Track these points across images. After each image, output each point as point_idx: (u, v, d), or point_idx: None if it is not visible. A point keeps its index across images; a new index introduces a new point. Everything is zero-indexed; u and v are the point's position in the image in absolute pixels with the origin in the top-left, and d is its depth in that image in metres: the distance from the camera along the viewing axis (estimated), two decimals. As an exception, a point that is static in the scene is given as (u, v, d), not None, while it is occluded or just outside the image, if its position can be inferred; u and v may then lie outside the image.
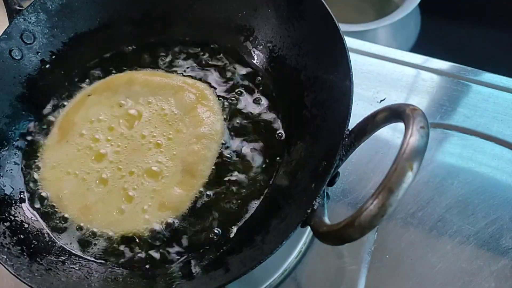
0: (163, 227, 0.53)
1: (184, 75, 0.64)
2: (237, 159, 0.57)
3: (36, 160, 0.59)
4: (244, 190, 0.55)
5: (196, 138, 0.58)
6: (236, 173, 0.56)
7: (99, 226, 0.54)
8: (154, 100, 0.61)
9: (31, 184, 0.57)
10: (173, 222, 0.53)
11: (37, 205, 0.56)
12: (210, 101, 0.61)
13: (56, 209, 0.55)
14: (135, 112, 0.61)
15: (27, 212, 0.54)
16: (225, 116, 0.60)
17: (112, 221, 0.54)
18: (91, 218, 0.54)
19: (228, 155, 0.57)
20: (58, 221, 0.54)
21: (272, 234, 0.47)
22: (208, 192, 0.55)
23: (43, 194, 0.56)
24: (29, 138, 0.60)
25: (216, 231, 0.52)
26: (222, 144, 0.58)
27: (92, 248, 0.52)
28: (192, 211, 0.54)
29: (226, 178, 0.56)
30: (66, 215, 0.55)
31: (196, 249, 0.51)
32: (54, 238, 0.53)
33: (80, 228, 0.54)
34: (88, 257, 0.52)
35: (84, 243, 0.53)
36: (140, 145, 0.58)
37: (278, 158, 0.56)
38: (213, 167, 0.57)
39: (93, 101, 0.62)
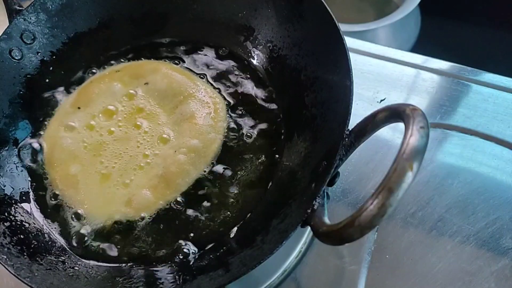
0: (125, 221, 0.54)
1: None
2: (237, 156, 0.57)
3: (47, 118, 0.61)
4: (245, 190, 0.55)
5: (186, 149, 0.57)
6: (235, 170, 0.56)
7: (70, 199, 0.55)
8: (167, 95, 0.61)
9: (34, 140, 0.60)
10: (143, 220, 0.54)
11: (30, 162, 0.58)
12: (219, 117, 0.60)
13: (45, 171, 0.57)
14: (143, 101, 0.61)
15: (26, 208, 0.54)
16: (226, 117, 0.60)
17: (79, 199, 0.55)
18: (63, 188, 0.56)
19: (232, 144, 0.58)
20: (41, 186, 0.56)
21: (272, 234, 0.47)
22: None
23: (38, 150, 0.59)
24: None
25: (186, 250, 0.51)
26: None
27: (87, 244, 0.52)
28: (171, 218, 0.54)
29: (229, 172, 0.56)
30: (49, 179, 0.57)
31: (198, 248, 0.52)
32: (55, 238, 0.53)
33: (55, 196, 0.55)
34: (88, 257, 0.52)
35: (76, 235, 0.53)
36: (136, 134, 0.58)
37: (278, 158, 0.56)
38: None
39: (117, 78, 0.63)
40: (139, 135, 0.59)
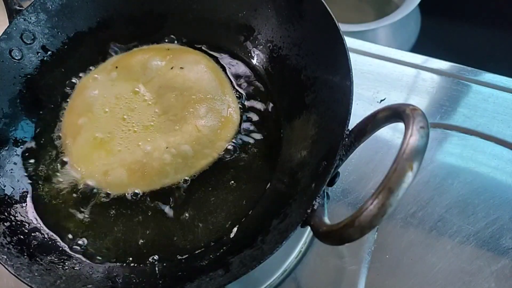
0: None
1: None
2: (238, 155, 0.57)
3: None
4: (245, 190, 0.55)
5: (177, 151, 0.56)
6: (236, 171, 0.56)
7: (65, 146, 0.59)
8: (192, 87, 0.60)
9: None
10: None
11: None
12: (223, 136, 0.58)
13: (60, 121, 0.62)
14: (170, 84, 0.61)
15: (26, 208, 0.54)
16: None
17: (71, 148, 0.58)
18: (65, 134, 0.60)
19: (232, 146, 0.57)
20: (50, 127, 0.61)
21: (272, 234, 0.47)
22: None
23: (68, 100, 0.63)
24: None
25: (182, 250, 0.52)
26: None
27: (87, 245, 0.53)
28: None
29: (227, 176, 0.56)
30: (60, 133, 0.60)
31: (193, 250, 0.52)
32: (55, 239, 0.53)
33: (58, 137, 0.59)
34: (87, 257, 0.52)
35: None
36: (147, 111, 0.59)
37: (277, 158, 0.56)
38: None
39: (162, 55, 0.64)
40: (149, 114, 0.59)
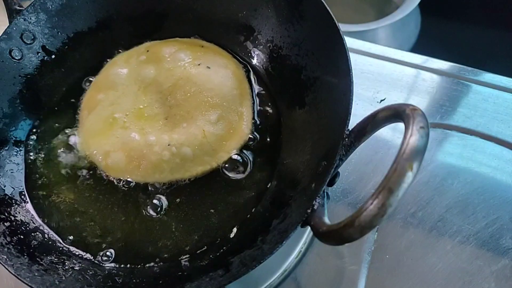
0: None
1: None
2: (238, 157, 0.57)
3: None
4: (244, 191, 0.55)
5: (177, 150, 0.55)
6: (236, 171, 0.56)
7: (81, 118, 0.60)
8: (212, 89, 0.59)
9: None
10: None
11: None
12: (228, 148, 0.57)
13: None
14: (192, 81, 0.60)
15: (26, 208, 0.54)
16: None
17: (83, 122, 0.60)
18: (82, 107, 0.61)
19: (233, 156, 0.57)
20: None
21: (272, 234, 0.47)
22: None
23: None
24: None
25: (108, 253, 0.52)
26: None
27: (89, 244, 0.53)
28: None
29: (227, 177, 0.56)
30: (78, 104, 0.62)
31: (194, 250, 0.52)
32: (55, 239, 0.53)
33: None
34: (88, 257, 0.52)
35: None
36: (163, 103, 0.59)
37: (277, 158, 0.56)
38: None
39: (194, 50, 0.63)
40: (163, 102, 0.59)
